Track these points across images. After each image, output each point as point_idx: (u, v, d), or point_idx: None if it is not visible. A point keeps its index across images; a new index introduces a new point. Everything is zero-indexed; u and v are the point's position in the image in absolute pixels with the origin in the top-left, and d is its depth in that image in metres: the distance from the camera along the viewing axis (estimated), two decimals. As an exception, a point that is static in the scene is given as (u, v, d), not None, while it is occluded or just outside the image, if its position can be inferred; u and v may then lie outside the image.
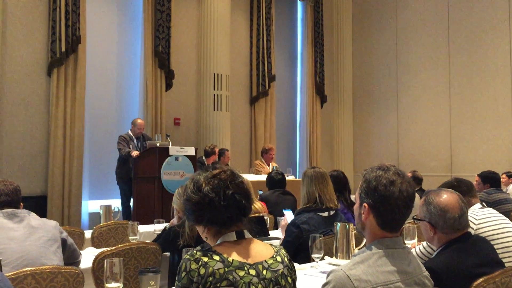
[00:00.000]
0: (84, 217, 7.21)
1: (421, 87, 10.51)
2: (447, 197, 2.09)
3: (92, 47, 7.48)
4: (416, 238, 3.12)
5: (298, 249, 3.07)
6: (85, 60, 7.25)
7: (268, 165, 7.96)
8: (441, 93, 10.25)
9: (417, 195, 1.99)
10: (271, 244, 1.71)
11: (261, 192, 5.23)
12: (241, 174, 1.70)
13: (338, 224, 2.76)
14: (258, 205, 4.51)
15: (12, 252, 2.39)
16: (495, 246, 2.18)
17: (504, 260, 2.12)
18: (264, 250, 1.63)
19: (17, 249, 2.41)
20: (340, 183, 4.07)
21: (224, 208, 1.58)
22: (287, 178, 5.59)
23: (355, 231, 2.76)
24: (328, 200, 3.22)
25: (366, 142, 11.28)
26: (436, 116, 10.30)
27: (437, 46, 10.37)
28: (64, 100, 7.03)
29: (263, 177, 6.30)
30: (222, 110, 8.56)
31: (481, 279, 1.89)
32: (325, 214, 3.21)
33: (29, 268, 2.26)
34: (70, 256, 2.70)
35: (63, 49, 6.97)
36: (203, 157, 7.52)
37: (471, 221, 2.61)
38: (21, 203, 2.64)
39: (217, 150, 7.61)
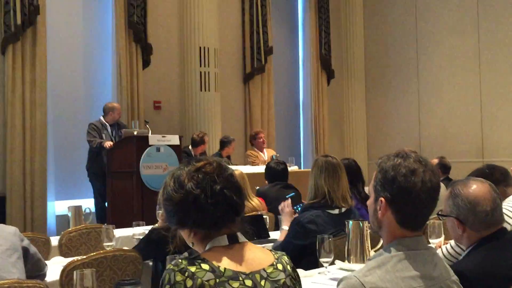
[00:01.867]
0: (51, 221, 7.21)
1: (446, 58, 10.50)
2: (476, 187, 2.08)
3: (53, 18, 7.42)
4: (443, 236, 3.13)
5: (304, 252, 3.09)
6: (46, 34, 7.20)
7: (262, 152, 8.04)
8: (469, 64, 10.24)
9: (443, 186, 1.99)
10: (270, 250, 1.70)
11: (258, 188, 5.23)
12: (231, 166, 1.69)
13: (350, 222, 2.78)
14: (255, 201, 4.54)
15: (-37, 265, 2.37)
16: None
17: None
18: (263, 257, 1.63)
19: (-30, 261, 2.39)
20: (353, 173, 4.07)
21: (212, 206, 1.57)
22: (289, 169, 5.55)
23: (370, 230, 2.77)
24: (339, 199, 3.26)
25: (381, 124, 11.29)
26: (463, 92, 10.30)
27: (464, 9, 10.33)
28: (22, 83, 6.99)
29: (261, 169, 6.30)
30: (211, 90, 8.53)
31: (519, 283, 1.88)
32: (336, 211, 3.23)
33: (-15, 284, 2.25)
34: (34, 268, 2.70)
35: (19, 21, 6.92)
36: (190, 147, 7.53)
37: (506, 215, 2.61)
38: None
39: (206, 138, 7.71)
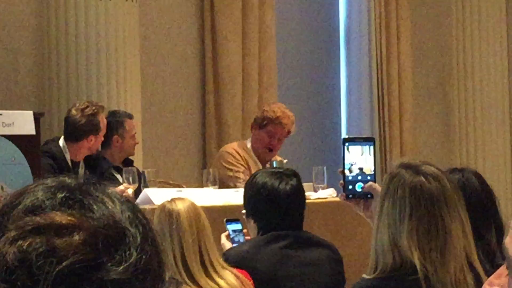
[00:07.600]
0: None
1: None
2: None
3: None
4: None
5: None
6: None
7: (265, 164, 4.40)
8: None
9: None
10: None
11: (230, 245, 2.85)
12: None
13: None
14: (227, 279, 2.44)
15: None
16: None
17: None
18: None
19: None
20: (475, 206, 2.24)
21: None
22: (312, 196, 3.56)
23: None
24: (451, 273, 1.78)
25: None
26: None
27: None
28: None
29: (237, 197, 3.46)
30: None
31: None
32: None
33: None
34: None
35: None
36: (61, 141, 4.00)
37: None
38: None
39: (102, 119, 4.00)
